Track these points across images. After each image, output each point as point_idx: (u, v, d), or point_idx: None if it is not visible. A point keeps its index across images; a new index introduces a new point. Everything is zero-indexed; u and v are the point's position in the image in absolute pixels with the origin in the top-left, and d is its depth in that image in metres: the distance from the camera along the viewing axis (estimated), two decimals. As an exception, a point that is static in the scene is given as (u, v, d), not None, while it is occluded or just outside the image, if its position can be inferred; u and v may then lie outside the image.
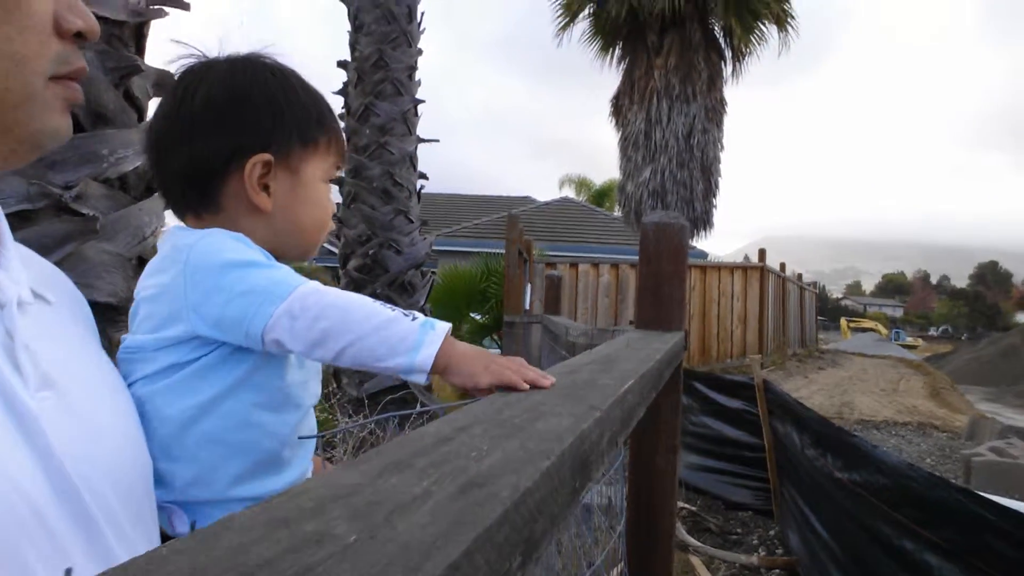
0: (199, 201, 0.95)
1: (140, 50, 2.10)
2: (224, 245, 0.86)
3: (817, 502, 3.83)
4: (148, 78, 2.13)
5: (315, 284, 0.84)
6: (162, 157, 0.96)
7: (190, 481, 0.86)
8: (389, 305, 0.85)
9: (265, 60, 0.99)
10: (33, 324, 0.72)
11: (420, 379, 0.83)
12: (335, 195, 6.37)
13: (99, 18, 1.93)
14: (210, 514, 0.87)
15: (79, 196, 1.78)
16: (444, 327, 0.84)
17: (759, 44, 13.52)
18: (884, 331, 29.99)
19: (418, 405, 4.91)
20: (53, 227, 1.73)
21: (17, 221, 1.70)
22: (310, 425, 0.98)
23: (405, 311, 0.84)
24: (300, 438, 0.89)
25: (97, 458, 0.72)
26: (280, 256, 0.94)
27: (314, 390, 0.99)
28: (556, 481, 0.56)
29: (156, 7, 2.11)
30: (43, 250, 1.83)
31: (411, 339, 0.82)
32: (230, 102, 0.94)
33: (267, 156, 0.92)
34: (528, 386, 0.79)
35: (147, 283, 0.91)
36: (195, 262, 0.85)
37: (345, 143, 1.02)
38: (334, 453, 3.68)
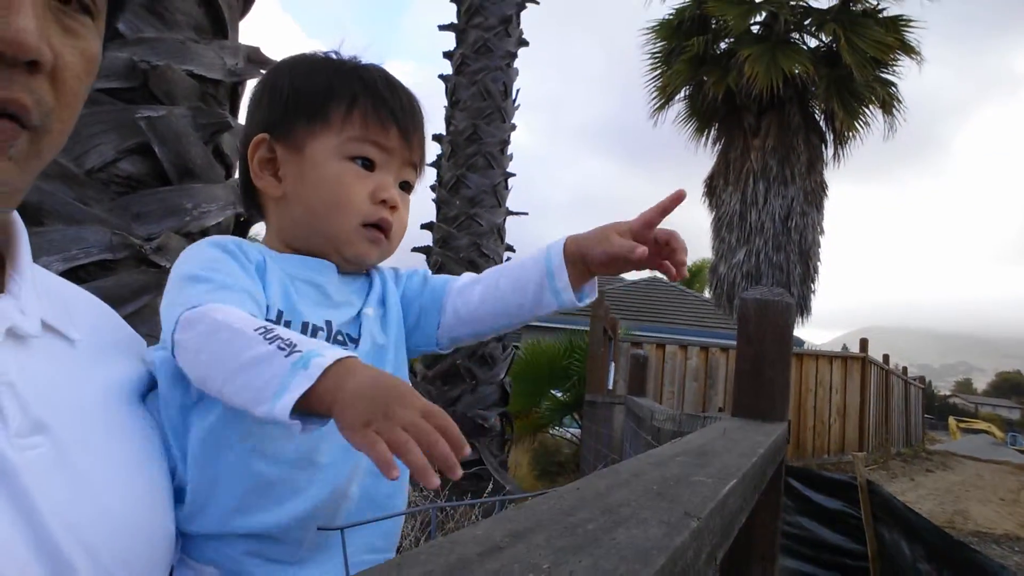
0: (249, 203, 0.95)
1: (234, 108, 2.14)
2: (190, 255, 0.82)
3: (932, 626, 3.40)
4: (238, 135, 2.14)
5: (213, 306, 0.71)
6: None
7: (189, 511, 0.76)
8: (279, 337, 0.65)
9: (311, 54, 0.95)
10: (33, 360, 0.63)
11: (296, 430, 0.62)
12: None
13: (194, 76, 1.99)
14: (207, 547, 0.76)
15: (160, 248, 1.78)
16: (326, 359, 0.62)
17: (863, 129, 13.14)
18: (999, 434, 27.63)
19: (490, 485, 4.70)
20: (131, 277, 1.73)
21: (97, 270, 1.71)
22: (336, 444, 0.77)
23: (288, 343, 0.64)
24: (320, 529, 0.73)
25: (99, 525, 0.61)
26: (320, 253, 0.88)
27: None
28: (639, 623, 0.41)
29: (254, 67, 2.16)
30: (119, 301, 1.83)
31: (275, 384, 0.62)
32: (251, 97, 0.95)
33: (262, 135, 0.89)
34: (395, 473, 0.57)
35: None
36: (172, 271, 0.82)
37: (387, 114, 0.88)
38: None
